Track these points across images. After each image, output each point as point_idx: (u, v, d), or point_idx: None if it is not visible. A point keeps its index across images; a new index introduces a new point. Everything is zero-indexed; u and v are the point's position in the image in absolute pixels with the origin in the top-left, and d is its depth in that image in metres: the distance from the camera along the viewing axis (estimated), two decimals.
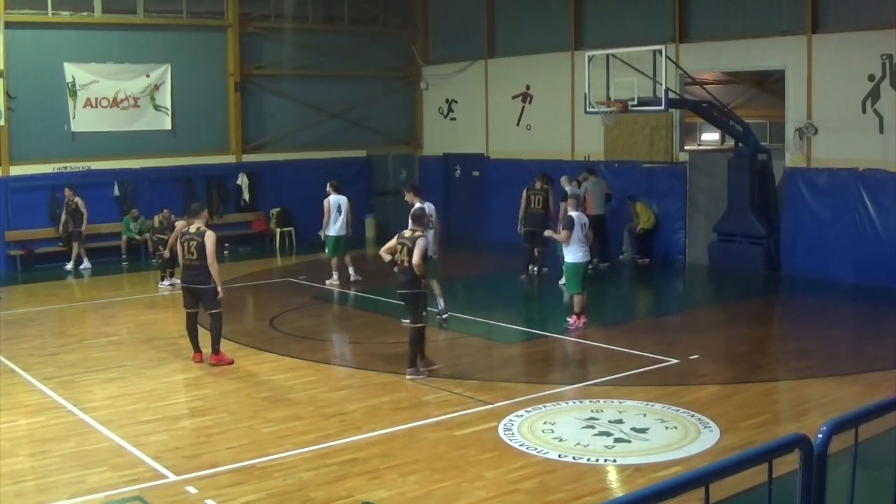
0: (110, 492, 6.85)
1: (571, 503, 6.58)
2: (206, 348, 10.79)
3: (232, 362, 10.70)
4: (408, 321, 12.54)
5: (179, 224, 11.04)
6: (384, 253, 10.42)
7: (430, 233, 12.57)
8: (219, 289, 10.54)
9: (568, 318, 12.35)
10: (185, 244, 10.53)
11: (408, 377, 9.93)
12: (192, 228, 10.60)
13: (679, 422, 8.26)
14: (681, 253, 17.89)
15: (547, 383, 9.82)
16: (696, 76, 18.34)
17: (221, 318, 10.69)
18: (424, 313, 10.17)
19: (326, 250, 15.95)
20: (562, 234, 12.16)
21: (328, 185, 16.02)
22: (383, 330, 12.92)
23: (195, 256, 10.44)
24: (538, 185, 15.78)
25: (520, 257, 16.17)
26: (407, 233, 10.19)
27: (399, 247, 10.07)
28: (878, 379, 9.55)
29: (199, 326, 10.92)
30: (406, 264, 9.95)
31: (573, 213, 12.29)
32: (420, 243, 9.92)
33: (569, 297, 12.68)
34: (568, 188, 15.69)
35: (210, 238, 10.40)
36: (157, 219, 18.01)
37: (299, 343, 11.97)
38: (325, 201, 15.72)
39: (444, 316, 12.72)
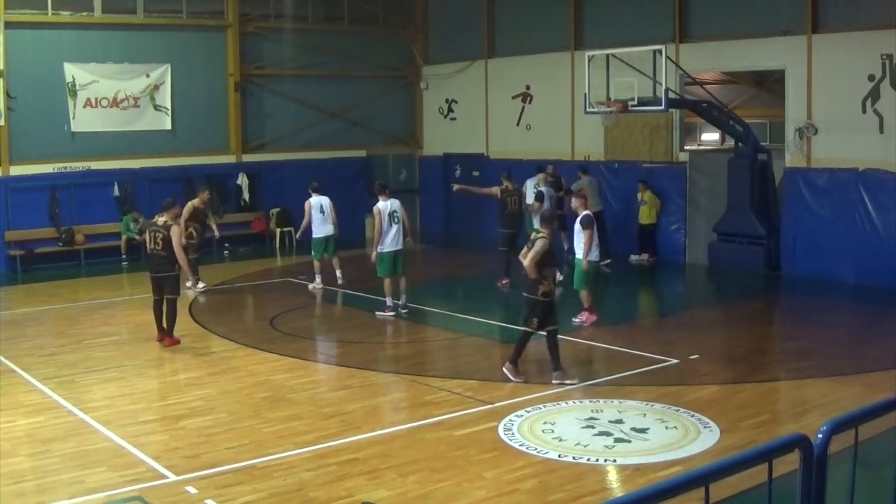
0: (110, 492, 6.85)
1: (571, 503, 6.58)
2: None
3: (179, 342, 11.63)
4: (381, 313, 13.26)
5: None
6: (521, 258, 9.96)
7: (395, 228, 13.23)
8: (190, 277, 11.51)
9: (580, 315, 12.49)
10: (152, 235, 11.51)
11: (553, 381, 9.57)
12: (160, 221, 11.52)
13: (679, 422, 8.26)
14: (681, 253, 17.89)
15: (547, 383, 9.81)
16: (696, 76, 18.34)
17: (176, 304, 11.78)
18: (535, 320, 9.70)
19: (313, 252, 15.59)
20: (585, 234, 12.11)
21: (309, 186, 15.79)
22: (383, 330, 12.96)
23: (160, 247, 11.37)
24: (509, 185, 15.44)
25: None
26: (533, 234, 9.84)
27: (526, 249, 9.72)
28: (878, 379, 9.55)
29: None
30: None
31: (589, 212, 12.41)
32: (538, 245, 9.49)
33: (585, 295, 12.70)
34: (543, 188, 15.67)
35: (174, 232, 11.34)
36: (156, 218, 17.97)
37: (299, 343, 11.98)
38: (306, 203, 15.52)
39: (404, 311, 13.34)
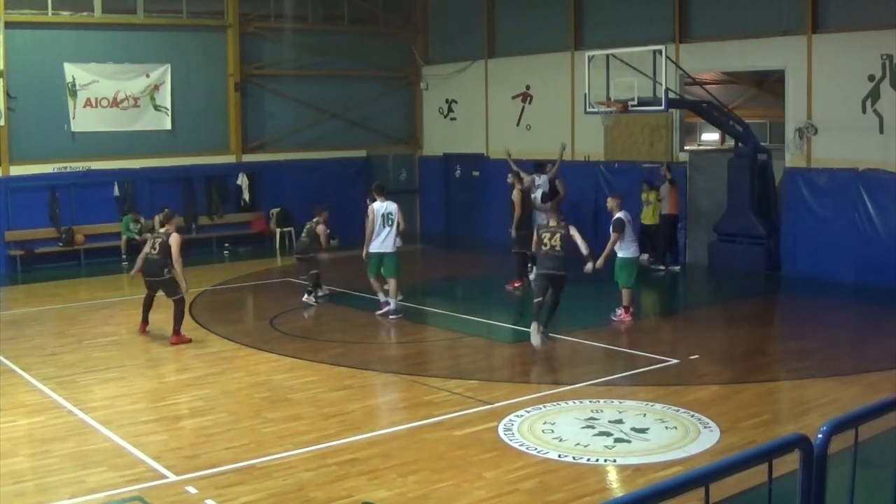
0: (110, 492, 6.85)
1: (571, 503, 6.58)
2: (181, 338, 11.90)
3: (190, 340, 11.80)
4: (381, 312, 13.28)
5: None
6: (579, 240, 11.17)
7: (386, 231, 13.18)
8: (182, 286, 11.76)
9: (616, 310, 12.74)
10: (153, 241, 12.04)
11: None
12: (162, 230, 12.11)
13: (679, 422, 8.26)
14: (681, 253, 17.87)
15: (547, 383, 9.82)
16: (696, 76, 18.34)
17: (184, 303, 12.00)
18: None
19: (391, 270, 13.45)
20: (613, 237, 12.53)
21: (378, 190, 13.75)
22: (383, 330, 12.95)
23: (157, 252, 11.81)
24: (520, 184, 15.31)
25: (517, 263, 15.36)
26: (552, 222, 11.31)
27: (549, 234, 11.13)
28: (878, 379, 9.55)
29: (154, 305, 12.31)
30: (559, 249, 11.03)
31: (620, 214, 12.65)
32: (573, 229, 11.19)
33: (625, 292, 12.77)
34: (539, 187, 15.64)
35: (174, 240, 11.71)
36: (157, 219, 17.99)
37: (299, 343, 11.98)
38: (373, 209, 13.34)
39: (397, 316, 13.13)
